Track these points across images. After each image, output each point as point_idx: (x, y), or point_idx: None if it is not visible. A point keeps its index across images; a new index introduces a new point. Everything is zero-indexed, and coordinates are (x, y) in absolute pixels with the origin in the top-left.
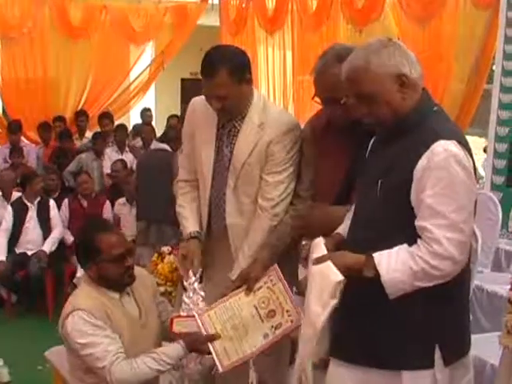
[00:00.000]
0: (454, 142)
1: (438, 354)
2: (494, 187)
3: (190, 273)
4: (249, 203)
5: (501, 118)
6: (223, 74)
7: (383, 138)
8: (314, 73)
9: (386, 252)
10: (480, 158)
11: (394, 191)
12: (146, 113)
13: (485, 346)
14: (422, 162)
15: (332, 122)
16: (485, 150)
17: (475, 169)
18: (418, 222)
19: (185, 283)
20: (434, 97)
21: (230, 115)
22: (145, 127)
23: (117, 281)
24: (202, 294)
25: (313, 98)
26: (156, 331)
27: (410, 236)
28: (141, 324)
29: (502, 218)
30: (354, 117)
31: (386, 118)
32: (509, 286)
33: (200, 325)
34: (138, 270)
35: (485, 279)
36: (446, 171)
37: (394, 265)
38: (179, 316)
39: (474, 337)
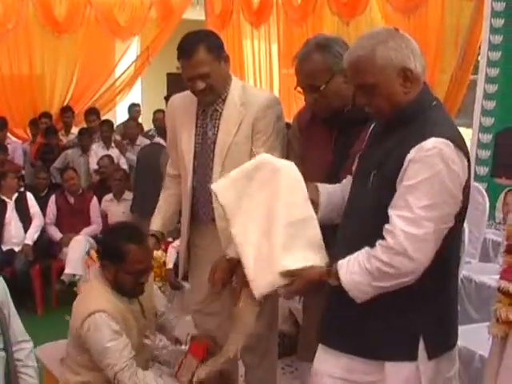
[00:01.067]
0: (447, 141)
1: (421, 346)
2: (478, 178)
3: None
4: None
5: (485, 108)
6: (202, 51)
7: (381, 130)
8: (295, 61)
9: (348, 257)
10: None
11: (384, 184)
12: (133, 108)
13: (473, 337)
14: (410, 154)
15: (314, 112)
16: None
17: (469, 170)
18: (388, 210)
19: (156, 352)
20: None
21: (213, 95)
22: (130, 122)
23: (127, 291)
24: (168, 343)
25: (295, 88)
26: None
27: None
28: (145, 326)
29: (488, 208)
30: (333, 105)
31: (385, 109)
32: (497, 276)
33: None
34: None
35: (473, 270)
36: (428, 166)
37: (351, 268)
38: (176, 372)
39: (462, 328)
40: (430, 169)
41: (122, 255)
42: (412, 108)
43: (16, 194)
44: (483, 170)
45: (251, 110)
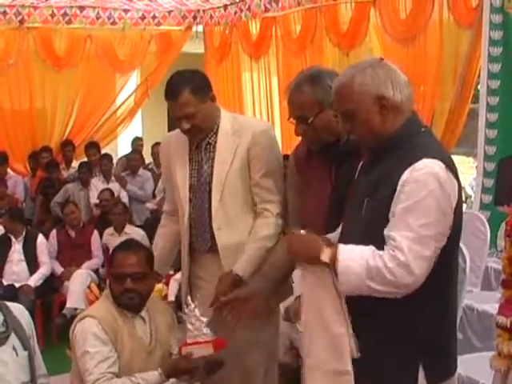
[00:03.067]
0: (438, 162)
1: (421, 375)
2: (483, 206)
3: (189, 299)
4: (235, 215)
5: (488, 136)
6: (185, 93)
7: (369, 159)
8: (287, 92)
9: (351, 246)
10: (466, 177)
11: (376, 211)
12: (137, 142)
13: (475, 366)
14: (403, 177)
15: (307, 144)
16: None
17: (460, 192)
18: (386, 232)
19: (186, 310)
20: (421, 117)
21: (201, 133)
22: (134, 154)
23: (117, 298)
24: (204, 319)
25: (288, 119)
26: (161, 362)
27: None
28: (147, 350)
29: (490, 236)
30: (322, 138)
31: (367, 137)
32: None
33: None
34: (159, 303)
35: (474, 298)
36: (423, 185)
37: (352, 255)
38: (186, 343)
39: (464, 356)
40: (425, 188)
41: (111, 261)
42: (398, 136)
43: (23, 235)
44: (487, 199)
45: (245, 137)
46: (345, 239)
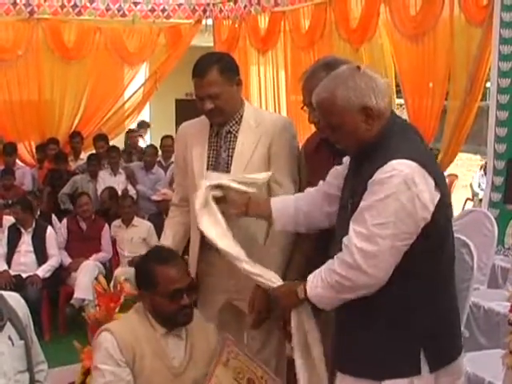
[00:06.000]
0: (409, 162)
1: (423, 360)
2: (492, 204)
3: None
4: None
5: (498, 135)
6: (213, 72)
7: (354, 162)
8: (303, 79)
9: (314, 272)
10: (473, 175)
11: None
12: (143, 125)
13: (482, 363)
14: (372, 178)
15: (320, 132)
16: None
17: (442, 186)
18: (350, 223)
19: None
20: (429, 114)
21: (222, 117)
22: (150, 149)
23: (170, 319)
24: None
25: (302, 108)
26: None
27: None
28: (175, 372)
29: (498, 234)
30: None
31: (352, 146)
32: (506, 303)
33: None
34: (206, 325)
35: (481, 296)
36: (385, 186)
37: (315, 282)
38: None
39: (471, 354)
40: (387, 190)
41: (153, 280)
42: (375, 140)
43: (33, 226)
44: (497, 197)
45: (267, 132)
46: (337, 237)
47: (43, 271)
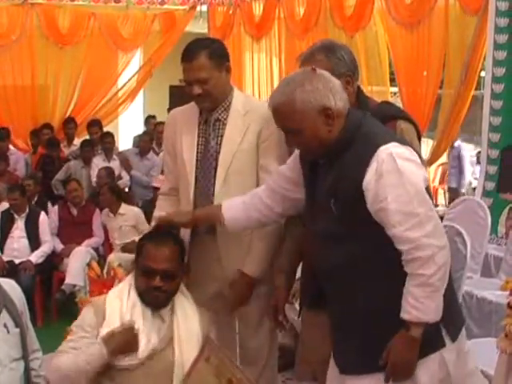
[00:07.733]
0: (393, 143)
1: (444, 332)
2: (486, 193)
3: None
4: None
5: (492, 124)
6: (202, 56)
7: (324, 161)
8: (300, 60)
9: (401, 313)
10: None
11: (346, 209)
12: (149, 120)
13: (474, 352)
14: (371, 172)
15: None
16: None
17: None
18: (390, 231)
19: None
20: (423, 103)
21: (210, 102)
22: (144, 136)
23: (140, 293)
24: None
25: None
26: (158, 371)
27: (374, 245)
28: (150, 352)
29: (491, 223)
30: None
31: (314, 148)
32: (498, 292)
33: None
34: (201, 310)
35: (474, 285)
36: (396, 172)
37: (418, 307)
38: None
39: None
40: (398, 173)
41: (138, 250)
42: (345, 137)
43: (27, 211)
44: (490, 186)
45: (256, 119)
46: (321, 236)
47: (36, 257)
